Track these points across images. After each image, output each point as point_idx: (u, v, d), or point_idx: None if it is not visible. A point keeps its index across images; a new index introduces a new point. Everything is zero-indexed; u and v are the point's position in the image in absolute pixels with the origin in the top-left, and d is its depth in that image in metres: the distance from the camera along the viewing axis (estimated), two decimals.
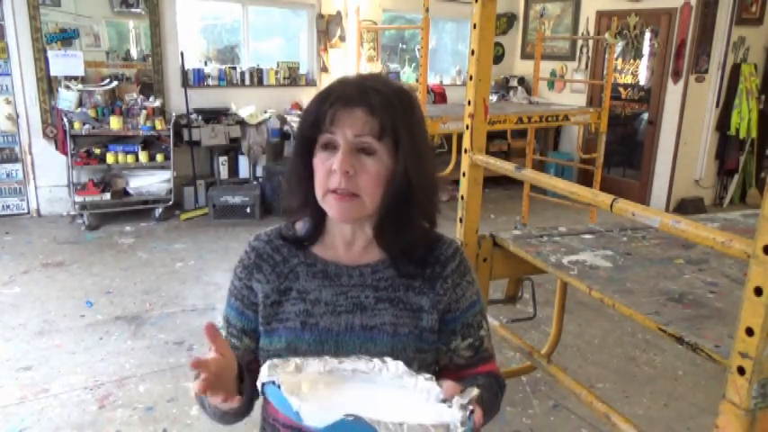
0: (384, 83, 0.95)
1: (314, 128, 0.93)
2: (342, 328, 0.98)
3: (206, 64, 6.16)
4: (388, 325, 0.98)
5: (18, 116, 5.15)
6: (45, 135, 5.23)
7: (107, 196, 5.10)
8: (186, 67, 5.60)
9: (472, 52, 1.93)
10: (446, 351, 1.03)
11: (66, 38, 5.20)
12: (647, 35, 6.32)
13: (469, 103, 1.97)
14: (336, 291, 1.00)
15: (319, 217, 1.00)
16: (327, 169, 0.92)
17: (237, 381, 0.90)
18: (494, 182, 6.96)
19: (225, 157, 5.85)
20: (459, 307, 1.03)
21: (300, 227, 1.05)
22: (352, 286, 1.00)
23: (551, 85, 7.23)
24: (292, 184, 1.01)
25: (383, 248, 1.01)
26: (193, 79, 5.77)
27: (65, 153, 5.08)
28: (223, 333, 1.06)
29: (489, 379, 1.05)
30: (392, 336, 0.97)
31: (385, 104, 0.91)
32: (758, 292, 0.99)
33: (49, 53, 5.06)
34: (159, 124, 5.18)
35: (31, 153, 5.25)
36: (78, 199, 5.06)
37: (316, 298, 1.00)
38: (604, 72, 5.91)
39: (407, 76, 7.11)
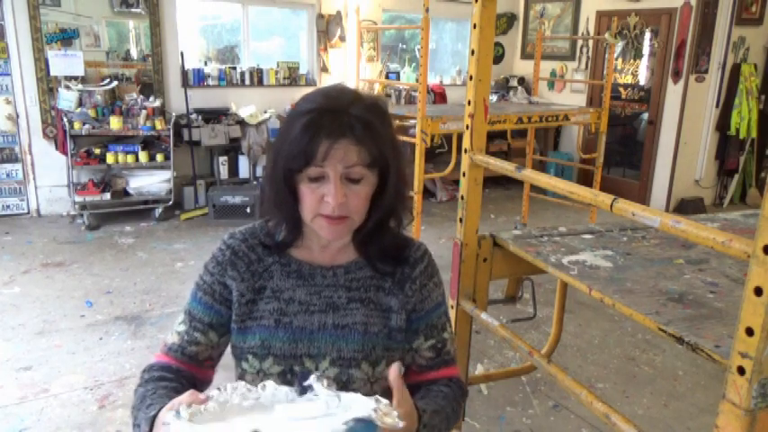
0: (363, 105, 0.94)
1: (301, 161, 0.92)
2: (315, 327, 1.01)
3: (206, 64, 6.16)
4: (359, 324, 1.01)
5: (18, 116, 5.16)
6: (45, 135, 5.23)
7: (107, 196, 5.10)
8: (186, 67, 5.60)
9: (472, 52, 1.93)
10: (408, 350, 1.07)
11: (67, 38, 5.20)
12: (647, 35, 6.32)
13: (469, 103, 1.97)
14: (310, 290, 1.03)
15: (298, 224, 1.02)
16: (318, 198, 0.94)
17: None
18: (494, 182, 6.96)
19: (225, 157, 5.86)
20: (423, 307, 1.06)
21: (273, 225, 1.06)
22: (325, 286, 1.03)
23: (551, 85, 7.23)
24: (274, 207, 1.01)
25: (359, 251, 1.05)
26: (193, 79, 5.77)
27: (65, 153, 5.08)
28: (184, 327, 1.06)
29: (451, 386, 1.08)
30: (363, 335, 1.01)
31: (370, 132, 0.93)
32: (758, 292, 0.99)
33: (49, 53, 5.06)
34: (159, 124, 5.18)
35: (31, 153, 5.25)
36: (78, 199, 5.06)
37: (290, 297, 1.02)
38: (604, 72, 5.91)
39: (407, 76, 7.11)
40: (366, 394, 0.97)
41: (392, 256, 1.05)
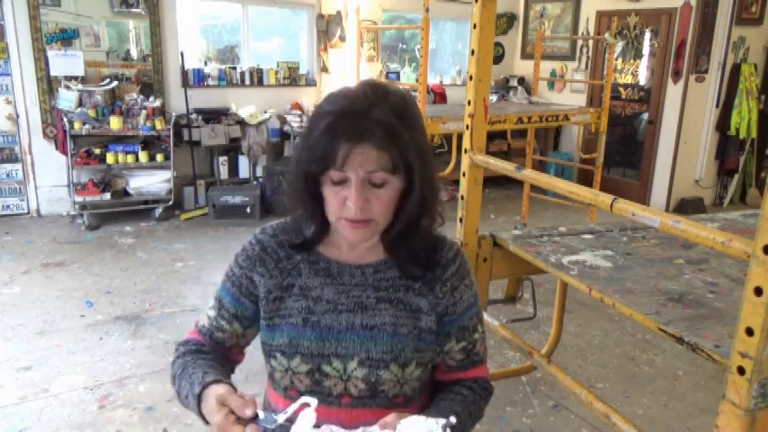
0: (387, 106, 0.91)
1: (321, 165, 0.91)
2: (343, 326, 1.00)
3: (206, 64, 6.16)
4: (388, 325, 0.99)
5: (18, 116, 5.15)
6: (45, 135, 5.23)
7: (107, 196, 5.10)
8: (186, 67, 5.60)
9: (472, 52, 1.93)
10: (439, 352, 1.05)
11: (67, 38, 5.20)
12: (647, 35, 6.32)
13: (469, 103, 1.98)
14: (338, 289, 1.02)
15: (326, 223, 1.00)
16: (341, 201, 0.92)
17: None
18: (494, 182, 6.96)
19: (225, 157, 5.86)
20: (456, 310, 1.04)
21: (303, 221, 1.05)
22: (353, 285, 1.02)
23: (551, 85, 7.22)
24: (297, 208, 1.01)
25: (389, 252, 1.03)
26: (193, 79, 5.77)
27: (65, 153, 5.08)
28: (213, 313, 1.09)
29: (474, 387, 1.08)
30: (392, 335, 0.99)
31: (393, 137, 0.89)
32: (758, 292, 0.99)
33: (49, 53, 5.05)
34: (159, 124, 5.18)
35: (31, 153, 5.25)
36: (78, 199, 5.06)
37: (318, 295, 1.02)
38: (604, 72, 5.91)
39: (407, 76, 7.11)
40: (395, 396, 0.99)
41: (422, 261, 1.02)
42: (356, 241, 0.98)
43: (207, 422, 0.90)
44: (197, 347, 1.07)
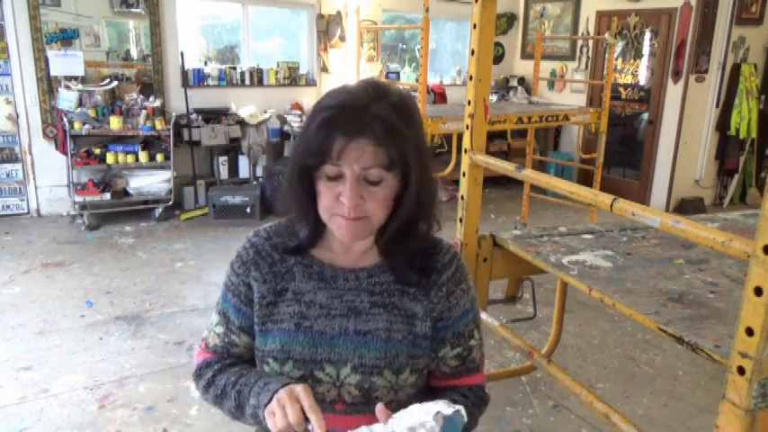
0: (387, 103, 0.90)
1: (317, 158, 0.89)
2: (336, 331, 0.98)
3: (206, 64, 6.16)
4: (381, 330, 0.98)
5: (18, 116, 5.15)
6: (45, 135, 5.23)
7: (107, 196, 5.10)
8: (186, 67, 5.60)
9: (472, 52, 1.93)
10: (433, 358, 1.03)
11: (67, 38, 5.20)
12: (647, 35, 6.32)
13: (469, 103, 1.98)
14: (332, 294, 1.00)
15: (319, 225, 0.98)
16: (334, 196, 0.90)
17: None
18: (494, 182, 6.96)
19: (225, 157, 5.86)
20: (451, 316, 1.02)
21: (297, 223, 1.04)
22: (347, 290, 1.00)
23: (551, 85, 7.22)
24: (292, 203, 0.99)
25: (384, 256, 1.01)
26: (193, 79, 5.77)
27: (65, 153, 5.08)
28: (222, 329, 1.05)
29: (468, 395, 1.05)
30: (386, 341, 0.97)
31: (391, 133, 0.88)
32: (758, 292, 0.99)
33: (49, 53, 5.05)
34: (159, 124, 5.18)
35: (31, 153, 5.25)
36: (78, 199, 5.06)
37: (311, 300, 1.00)
38: (604, 72, 5.91)
39: (407, 76, 7.11)
40: (389, 402, 0.95)
41: (418, 265, 1.00)
42: (349, 240, 0.95)
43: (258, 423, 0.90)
44: (230, 362, 1.04)
